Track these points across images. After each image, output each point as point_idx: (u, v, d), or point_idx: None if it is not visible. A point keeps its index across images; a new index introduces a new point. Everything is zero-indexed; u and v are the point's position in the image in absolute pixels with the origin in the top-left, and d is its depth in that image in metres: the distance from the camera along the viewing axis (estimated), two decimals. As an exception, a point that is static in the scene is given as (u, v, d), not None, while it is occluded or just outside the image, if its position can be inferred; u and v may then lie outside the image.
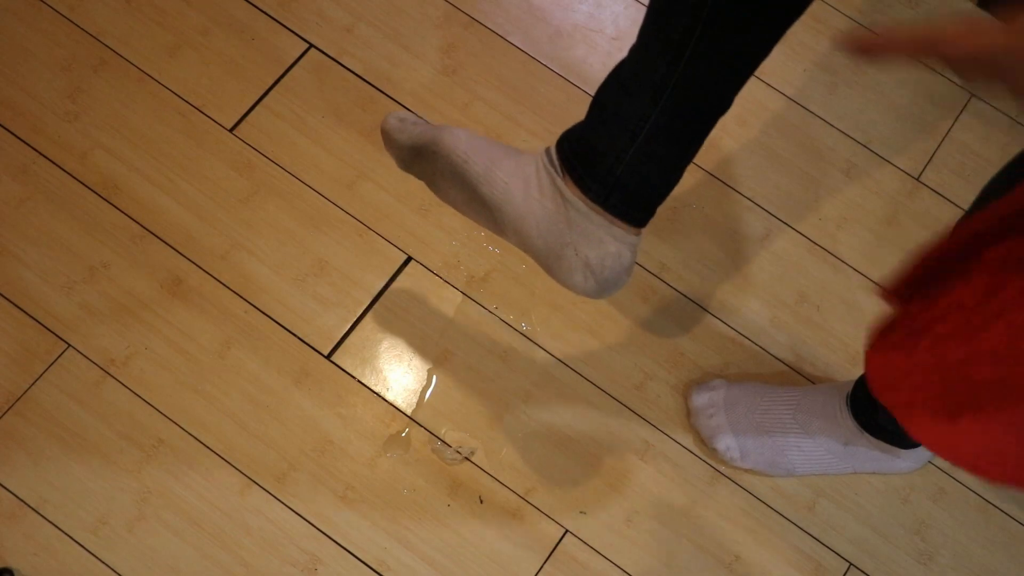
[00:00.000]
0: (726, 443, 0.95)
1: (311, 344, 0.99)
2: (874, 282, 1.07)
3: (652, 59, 0.66)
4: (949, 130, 1.14)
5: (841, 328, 1.05)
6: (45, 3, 1.09)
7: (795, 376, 1.02)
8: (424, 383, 0.99)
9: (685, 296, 1.04)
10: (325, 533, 0.94)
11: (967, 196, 1.11)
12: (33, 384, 0.96)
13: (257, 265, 1.02)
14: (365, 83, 1.10)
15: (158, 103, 1.06)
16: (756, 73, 1.14)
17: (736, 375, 1.02)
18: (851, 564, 0.97)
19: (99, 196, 1.02)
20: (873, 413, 0.87)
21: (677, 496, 0.98)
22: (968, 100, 1.15)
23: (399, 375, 0.99)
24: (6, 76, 1.06)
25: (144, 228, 1.02)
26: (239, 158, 1.05)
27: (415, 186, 1.06)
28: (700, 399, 0.97)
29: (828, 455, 0.94)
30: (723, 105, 0.68)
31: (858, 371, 1.03)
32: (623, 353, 1.02)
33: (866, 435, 0.89)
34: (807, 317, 1.05)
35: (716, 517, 0.97)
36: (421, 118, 0.80)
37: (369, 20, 1.12)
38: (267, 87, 1.08)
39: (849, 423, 0.89)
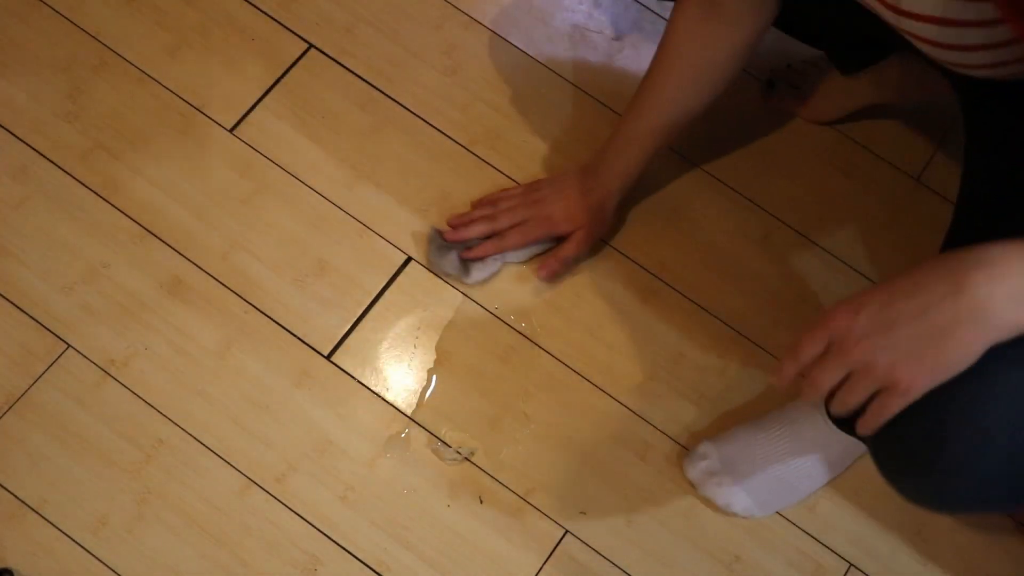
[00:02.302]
0: (744, 504, 0.95)
1: (311, 344, 0.99)
2: (874, 283, 1.07)
3: None
4: (949, 130, 1.14)
5: (841, 328, 1.04)
6: (45, 3, 1.09)
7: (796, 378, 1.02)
8: (424, 383, 0.99)
9: (685, 296, 1.04)
10: (325, 533, 0.94)
11: (967, 196, 1.11)
12: (33, 384, 0.96)
13: (257, 265, 1.02)
14: (365, 83, 1.10)
15: (158, 103, 1.06)
16: (752, 70, 1.14)
17: (736, 375, 1.02)
18: (851, 564, 0.97)
19: (99, 196, 1.02)
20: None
21: (677, 496, 0.98)
22: (968, 100, 1.15)
23: (399, 375, 0.99)
24: (6, 76, 1.06)
25: (144, 228, 1.02)
26: (239, 158, 1.05)
27: (415, 186, 1.06)
28: (697, 472, 0.95)
29: (831, 466, 0.94)
30: None
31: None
32: (623, 353, 1.02)
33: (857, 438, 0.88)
34: (807, 317, 1.05)
35: (716, 517, 0.97)
36: None
37: (369, 20, 1.12)
38: (267, 87, 1.08)
39: (840, 436, 0.89)
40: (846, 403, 0.62)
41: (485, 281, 1.01)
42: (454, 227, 1.01)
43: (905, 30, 0.69)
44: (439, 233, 1.01)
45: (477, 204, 1.03)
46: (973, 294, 0.56)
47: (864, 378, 0.60)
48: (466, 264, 1.00)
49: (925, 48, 0.69)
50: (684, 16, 0.88)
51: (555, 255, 0.99)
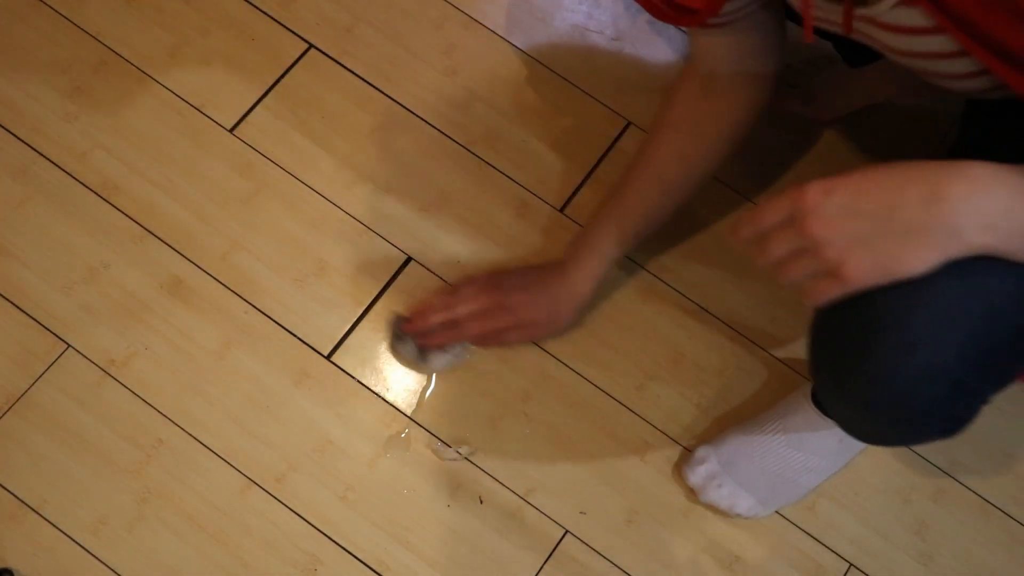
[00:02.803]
0: (747, 504, 0.94)
1: (311, 344, 0.99)
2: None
3: None
4: (949, 131, 1.14)
5: (841, 328, 1.04)
6: (45, 3, 1.09)
7: (795, 377, 1.02)
8: (424, 383, 0.99)
9: (685, 296, 1.04)
10: (325, 533, 0.94)
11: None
12: (33, 384, 0.96)
13: (257, 265, 1.02)
14: (365, 83, 1.10)
15: (158, 103, 1.06)
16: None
17: (736, 375, 1.02)
18: (851, 564, 0.97)
19: (99, 196, 1.02)
20: None
21: (677, 496, 0.98)
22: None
23: (399, 375, 0.99)
24: (6, 76, 1.06)
25: (144, 228, 1.02)
26: (239, 158, 1.05)
27: (415, 186, 1.06)
28: (697, 476, 0.95)
29: (829, 459, 0.94)
30: None
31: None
32: (623, 353, 1.02)
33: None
34: (806, 316, 1.04)
35: (716, 517, 0.97)
36: None
37: (369, 20, 1.12)
38: (267, 87, 1.08)
39: (834, 426, 0.88)
40: (787, 275, 0.62)
41: (447, 369, 0.99)
42: (413, 317, 0.97)
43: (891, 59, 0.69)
44: (399, 320, 0.98)
45: (439, 292, 0.98)
46: (948, 205, 0.55)
47: (812, 256, 0.60)
48: (424, 352, 0.97)
49: (919, 73, 0.70)
50: (682, 94, 0.90)
51: (499, 335, 0.96)
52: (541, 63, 1.13)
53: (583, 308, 0.97)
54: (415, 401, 0.99)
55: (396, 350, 0.98)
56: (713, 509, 0.96)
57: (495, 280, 0.96)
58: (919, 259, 0.57)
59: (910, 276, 0.57)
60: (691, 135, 0.90)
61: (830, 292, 0.60)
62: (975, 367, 0.62)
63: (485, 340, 0.98)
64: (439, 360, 0.98)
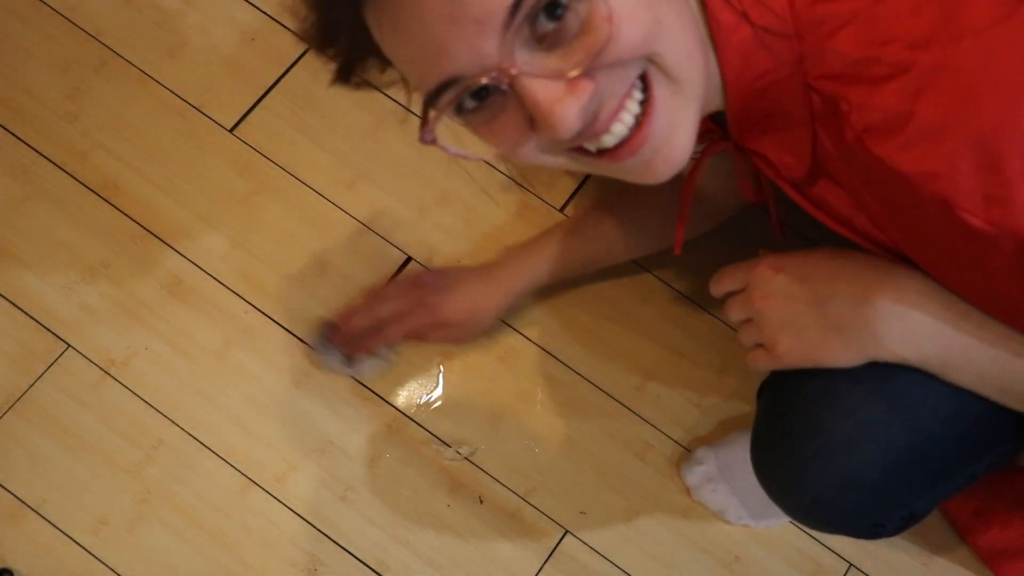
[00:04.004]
0: (737, 513, 0.94)
1: (311, 344, 0.99)
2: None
3: None
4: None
5: (841, 328, 1.04)
6: (45, 3, 1.09)
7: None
8: (424, 383, 0.99)
9: (685, 296, 1.04)
10: (325, 533, 0.94)
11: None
12: (33, 384, 0.96)
13: (257, 265, 1.02)
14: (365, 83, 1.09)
15: (158, 103, 1.06)
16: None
17: (736, 374, 1.02)
18: (851, 564, 0.97)
19: (99, 196, 1.02)
20: None
21: (677, 496, 0.98)
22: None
23: (399, 375, 0.99)
24: (6, 76, 1.06)
25: (144, 228, 1.02)
26: (239, 158, 1.05)
27: (415, 186, 1.06)
28: (694, 477, 0.95)
29: None
30: None
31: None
32: (623, 353, 1.02)
33: None
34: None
35: (716, 517, 0.97)
36: None
37: (369, 20, 1.12)
38: (267, 87, 1.08)
39: None
40: (741, 338, 0.68)
41: (374, 374, 0.97)
42: (338, 324, 0.94)
43: None
44: (324, 327, 0.94)
45: (362, 293, 0.97)
46: (872, 312, 0.57)
47: (756, 328, 0.65)
48: (350, 359, 0.94)
49: None
50: None
51: (421, 334, 0.95)
52: (541, 63, 1.13)
53: (499, 316, 0.97)
54: (415, 401, 0.99)
55: (322, 361, 0.95)
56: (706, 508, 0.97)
57: (416, 279, 0.96)
58: (841, 355, 0.59)
59: (834, 366, 0.60)
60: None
61: (763, 363, 0.65)
62: (898, 479, 0.62)
63: (408, 339, 0.96)
64: (367, 366, 0.96)
